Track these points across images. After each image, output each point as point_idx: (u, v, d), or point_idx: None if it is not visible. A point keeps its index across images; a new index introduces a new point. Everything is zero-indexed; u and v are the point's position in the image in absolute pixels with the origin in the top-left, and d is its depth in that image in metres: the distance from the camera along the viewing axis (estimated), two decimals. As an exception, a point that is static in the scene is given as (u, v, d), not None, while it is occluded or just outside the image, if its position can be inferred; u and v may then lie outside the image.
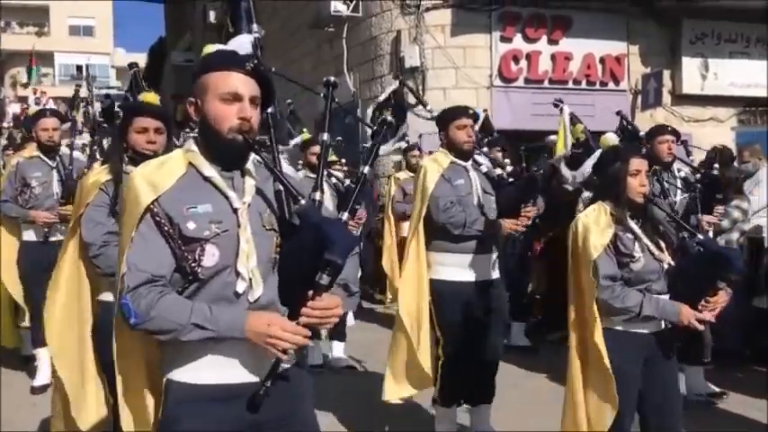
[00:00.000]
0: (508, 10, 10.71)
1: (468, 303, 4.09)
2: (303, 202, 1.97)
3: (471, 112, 4.29)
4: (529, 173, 5.60)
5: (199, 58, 2.19)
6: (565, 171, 5.90)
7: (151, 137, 3.12)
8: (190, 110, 2.05)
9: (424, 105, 5.25)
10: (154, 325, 1.88)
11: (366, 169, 2.24)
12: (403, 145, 7.37)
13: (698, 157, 6.72)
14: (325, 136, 2.38)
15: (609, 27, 11.01)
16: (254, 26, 2.59)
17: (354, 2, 11.16)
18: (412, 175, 7.39)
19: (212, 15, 17.38)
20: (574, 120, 5.78)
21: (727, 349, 6.20)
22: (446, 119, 4.22)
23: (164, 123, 3.18)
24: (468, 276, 4.11)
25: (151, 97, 3.29)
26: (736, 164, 6.84)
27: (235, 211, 1.99)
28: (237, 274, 1.97)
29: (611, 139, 3.83)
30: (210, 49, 2.21)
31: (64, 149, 5.35)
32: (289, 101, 7.72)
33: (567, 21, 10.90)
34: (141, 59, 30.93)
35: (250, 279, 1.97)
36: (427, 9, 10.59)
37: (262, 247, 2.01)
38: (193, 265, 1.94)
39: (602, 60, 11.14)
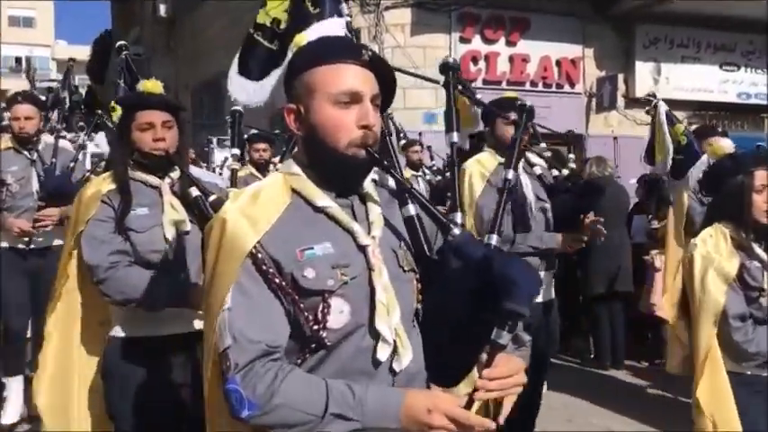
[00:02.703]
0: (467, 11, 10.72)
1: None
2: (457, 231, 1.46)
3: (520, 103, 3.63)
4: (589, 176, 4.79)
5: (295, 51, 1.65)
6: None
7: (158, 133, 2.55)
8: (288, 119, 1.53)
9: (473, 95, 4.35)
10: (277, 417, 1.36)
11: (511, 174, 1.80)
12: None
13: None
14: (455, 136, 1.92)
15: (565, 30, 11.11)
16: (343, 6, 2.04)
17: None
18: (414, 173, 7.01)
19: (162, 9, 17.02)
20: (672, 119, 4.87)
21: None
22: (492, 113, 3.59)
23: (173, 115, 2.63)
24: None
25: (152, 85, 2.67)
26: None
27: (362, 249, 1.49)
28: (376, 335, 1.46)
29: (726, 146, 3.24)
30: (306, 37, 1.69)
31: (48, 139, 4.58)
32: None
33: (525, 23, 10.97)
34: (84, 52, 30.19)
35: (394, 341, 1.46)
36: (387, 8, 10.54)
37: (402, 295, 1.51)
38: (315, 327, 1.43)
39: (558, 63, 11.25)
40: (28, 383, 4.46)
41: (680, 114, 12.07)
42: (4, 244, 4.42)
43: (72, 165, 4.39)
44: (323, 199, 1.50)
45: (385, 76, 1.56)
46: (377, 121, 1.50)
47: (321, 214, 1.50)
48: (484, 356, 1.38)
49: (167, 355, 2.55)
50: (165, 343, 2.55)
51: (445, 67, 1.86)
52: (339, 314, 1.43)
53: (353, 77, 1.48)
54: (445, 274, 1.49)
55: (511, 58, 10.97)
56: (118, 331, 2.59)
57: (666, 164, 4.77)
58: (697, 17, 11.21)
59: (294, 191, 1.51)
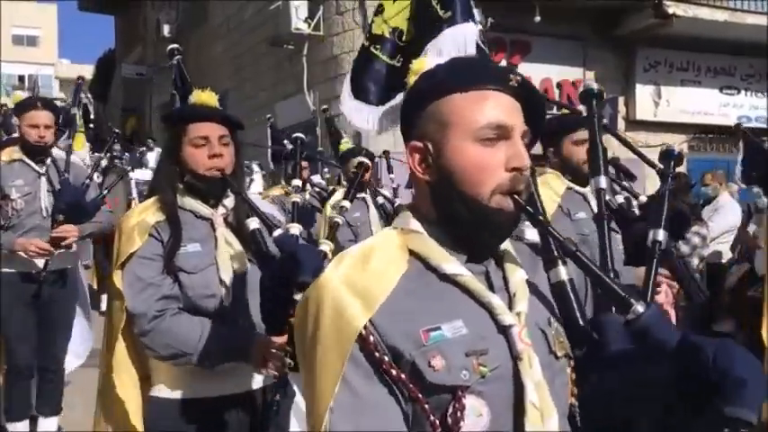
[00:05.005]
0: (469, 33, 10.80)
1: None
2: (640, 308, 1.08)
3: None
4: (677, 205, 4.50)
5: (417, 78, 1.25)
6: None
7: (215, 148, 2.14)
8: (412, 161, 1.18)
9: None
10: None
11: (661, 234, 1.49)
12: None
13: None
14: (602, 181, 1.57)
15: (566, 53, 11.19)
16: (476, 12, 1.64)
17: (316, 20, 11.11)
18: None
19: (166, 29, 17.14)
20: None
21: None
22: (558, 132, 3.12)
23: (230, 130, 2.22)
24: None
25: (207, 96, 2.27)
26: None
27: (504, 330, 1.11)
28: None
29: None
30: (426, 62, 1.26)
31: (59, 152, 4.06)
32: (268, 115, 7.53)
33: (526, 46, 11.04)
34: (87, 71, 30.37)
35: None
36: (389, 30, 10.61)
37: (556, 390, 1.13)
38: None
39: (559, 85, 11.30)
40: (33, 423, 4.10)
41: (680, 137, 12.19)
42: (7, 269, 3.85)
43: (87, 182, 3.92)
44: (452, 264, 1.13)
45: (533, 107, 1.20)
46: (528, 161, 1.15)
47: (448, 283, 1.13)
48: None
49: (222, 419, 2.14)
50: (220, 405, 2.15)
51: (588, 95, 1.55)
52: (476, 418, 1.06)
53: (501, 107, 1.14)
54: (614, 361, 1.15)
55: (512, 81, 11.05)
56: (161, 391, 2.15)
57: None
58: (697, 41, 11.31)
59: (413, 253, 1.16)
